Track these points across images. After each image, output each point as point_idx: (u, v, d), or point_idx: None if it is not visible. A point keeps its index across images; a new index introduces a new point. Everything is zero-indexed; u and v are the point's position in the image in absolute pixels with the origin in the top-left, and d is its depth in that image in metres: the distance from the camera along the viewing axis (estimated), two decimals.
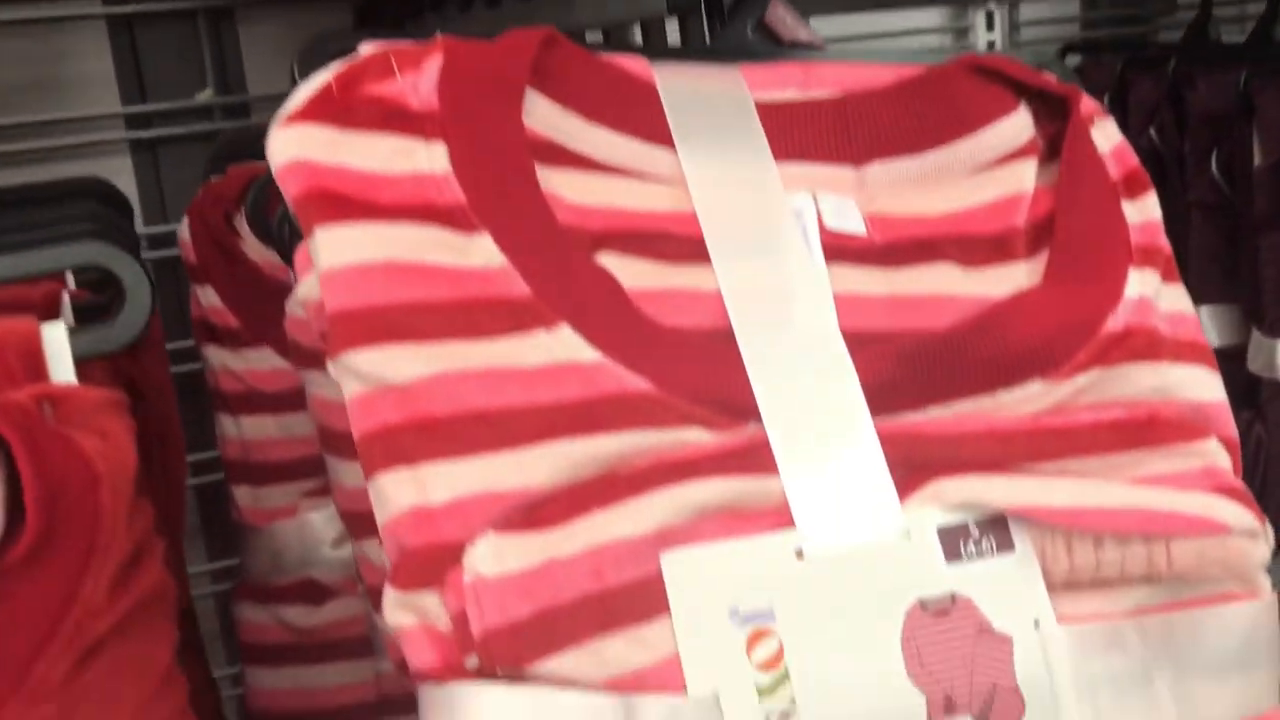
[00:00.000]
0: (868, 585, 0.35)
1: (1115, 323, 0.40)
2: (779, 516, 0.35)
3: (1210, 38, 1.00)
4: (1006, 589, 0.36)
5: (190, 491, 0.77)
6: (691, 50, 0.50)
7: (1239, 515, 0.39)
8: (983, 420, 0.38)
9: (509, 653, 0.32)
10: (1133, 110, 0.93)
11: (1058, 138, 0.44)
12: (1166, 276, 0.43)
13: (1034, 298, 0.41)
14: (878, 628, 0.35)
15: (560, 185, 0.38)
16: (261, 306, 0.69)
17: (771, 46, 0.48)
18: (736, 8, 0.48)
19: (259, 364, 0.70)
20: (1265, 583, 0.40)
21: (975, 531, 0.37)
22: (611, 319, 0.36)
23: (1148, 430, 0.39)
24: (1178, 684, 0.37)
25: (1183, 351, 0.42)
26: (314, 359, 0.41)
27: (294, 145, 0.36)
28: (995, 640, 0.36)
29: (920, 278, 0.41)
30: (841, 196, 0.42)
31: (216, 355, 0.71)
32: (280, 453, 0.71)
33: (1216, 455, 0.40)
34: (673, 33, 0.52)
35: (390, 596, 0.34)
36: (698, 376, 0.36)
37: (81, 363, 0.40)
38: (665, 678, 0.33)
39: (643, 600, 0.34)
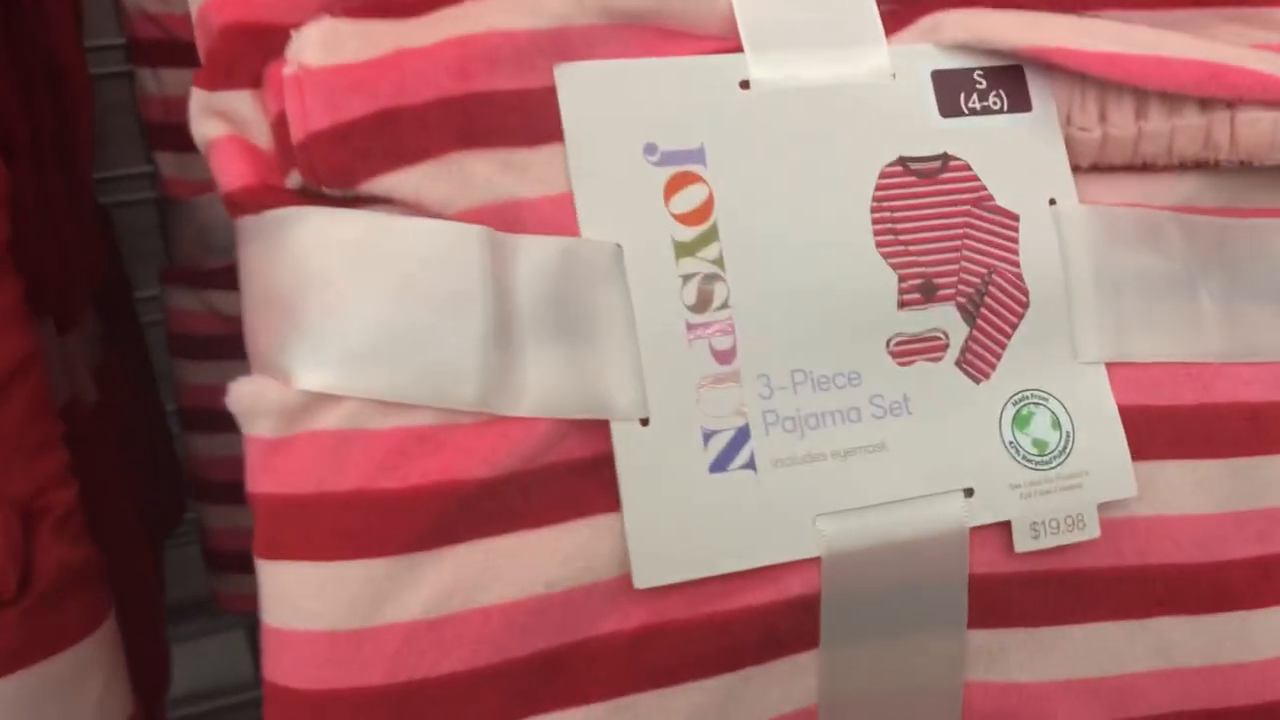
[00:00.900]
0: (834, 131, 0.27)
1: None
2: (722, 40, 0.27)
3: None
4: (1016, 156, 0.28)
5: None
6: None
7: None
8: None
9: (338, 164, 0.24)
10: None
11: None
12: None
13: None
14: (841, 184, 0.26)
15: None
16: None
17: None
18: None
19: (178, 7, 0.62)
20: None
21: (981, 81, 0.28)
22: None
23: None
24: (1226, 299, 0.29)
25: None
26: None
27: None
28: (997, 216, 0.27)
29: None
30: None
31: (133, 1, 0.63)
32: None
33: None
34: None
35: (196, 99, 0.25)
36: None
37: None
38: (549, 218, 0.25)
39: (525, 117, 0.25)
